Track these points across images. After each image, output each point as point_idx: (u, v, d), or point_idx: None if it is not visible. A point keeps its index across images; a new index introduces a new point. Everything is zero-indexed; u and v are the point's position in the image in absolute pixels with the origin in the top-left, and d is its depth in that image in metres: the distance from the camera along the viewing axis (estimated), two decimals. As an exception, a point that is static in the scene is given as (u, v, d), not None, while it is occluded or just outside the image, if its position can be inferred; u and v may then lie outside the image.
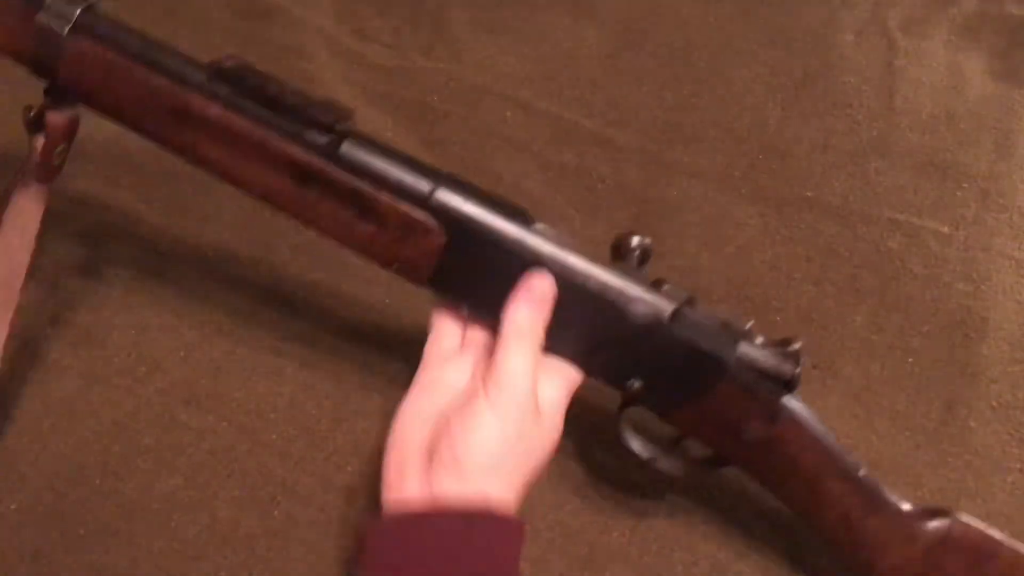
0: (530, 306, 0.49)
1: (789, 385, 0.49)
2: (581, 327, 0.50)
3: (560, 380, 0.50)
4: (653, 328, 0.49)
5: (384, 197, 0.50)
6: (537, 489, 0.58)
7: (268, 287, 0.68)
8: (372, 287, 0.67)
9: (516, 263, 0.49)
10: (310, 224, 0.53)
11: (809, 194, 0.75)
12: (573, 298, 0.49)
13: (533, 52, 0.86)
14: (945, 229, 0.73)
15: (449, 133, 0.78)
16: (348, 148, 0.50)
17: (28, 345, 0.64)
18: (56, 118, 0.57)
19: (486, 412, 0.47)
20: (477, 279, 0.51)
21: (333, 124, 0.51)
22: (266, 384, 0.63)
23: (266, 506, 0.58)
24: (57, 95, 0.57)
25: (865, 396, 0.63)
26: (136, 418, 0.61)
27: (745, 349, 0.49)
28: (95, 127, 0.76)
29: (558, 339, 0.50)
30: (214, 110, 0.51)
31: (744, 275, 0.69)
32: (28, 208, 0.58)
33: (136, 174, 0.74)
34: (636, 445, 0.54)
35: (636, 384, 0.51)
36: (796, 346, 0.50)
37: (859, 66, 0.84)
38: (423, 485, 0.46)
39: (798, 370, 0.49)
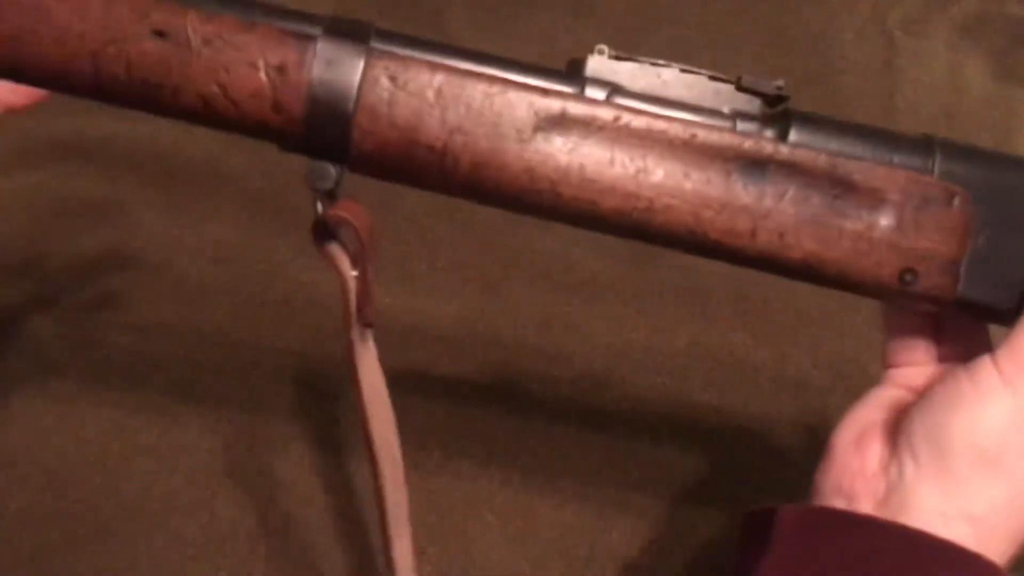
0: None
1: None
2: None
3: None
4: None
5: (875, 168, 0.39)
6: (536, 488, 0.59)
7: (268, 287, 0.68)
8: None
9: None
10: (762, 239, 0.40)
11: (809, 194, 0.75)
12: None
13: (533, 52, 0.85)
14: (945, 229, 0.73)
15: (449, 133, 0.78)
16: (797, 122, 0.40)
17: (28, 345, 0.64)
18: (355, 211, 0.42)
19: (997, 388, 0.35)
20: (1013, 263, 0.38)
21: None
22: (266, 383, 0.63)
23: (266, 506, 0.57)
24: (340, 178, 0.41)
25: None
26: (136, 418, 0.61)
27: None
28: (95, 126, 0.77)
29: None
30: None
31: (744, 275, 0.68)
32: (370, 361, 0.46)
33: (136, 174, 0.74)
34: None
35: None
36: None
37: (859, 66, 0.84)
38: (875, 476, 0.36)
39: None
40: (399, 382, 0.63)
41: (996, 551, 0.35)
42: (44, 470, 0.58)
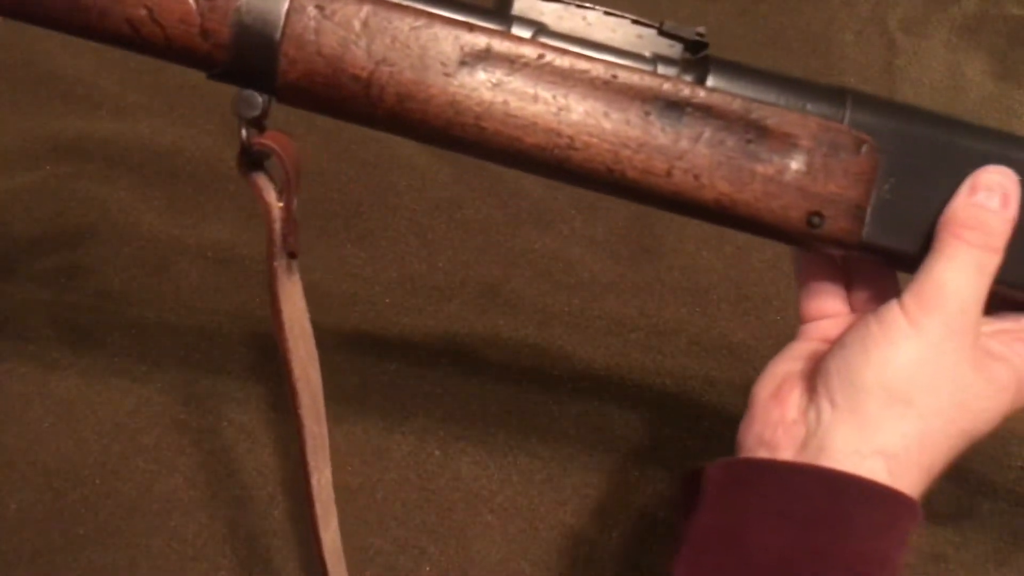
0: (983, 199, 0.38)
1: None
2: None
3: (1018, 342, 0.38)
4: None
5: (788, 114, 0.39)
6: (536, 489, 0.59)
7: (268, 287, 0.68)
8: (372, 286, 0.68)
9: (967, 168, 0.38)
10: (674, 180, 0.39)
11: (809, 194, 0.75)
12: None
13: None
14: (945, 229, 0.73)
15: (449, 133, 0.78)
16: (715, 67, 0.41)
17: (28, 345, 0.64)
18: (281, 142, 0.44)
19: (904, 329, 0.36)
20: (917, 210, 0.39)
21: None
22: (266, 384, 0.63)
23: (266, 506, 0.58)
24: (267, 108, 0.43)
25: (865, 395, 0.63)
26: (136, 418, 0.61)
27: None
28: (95, 127, 0.77)
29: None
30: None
31: (744, 274, 0.69)
32: (292, 292, 0.47)
33: (136, 174, 0.74)
34: None
35: None
36: None
37: (859, 66, 0.84)
38: (795, 423, 0.37)
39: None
40: (398, 381, 0.64)
41: (911, 484, 0.36)
42: (44, 470, 0.58)
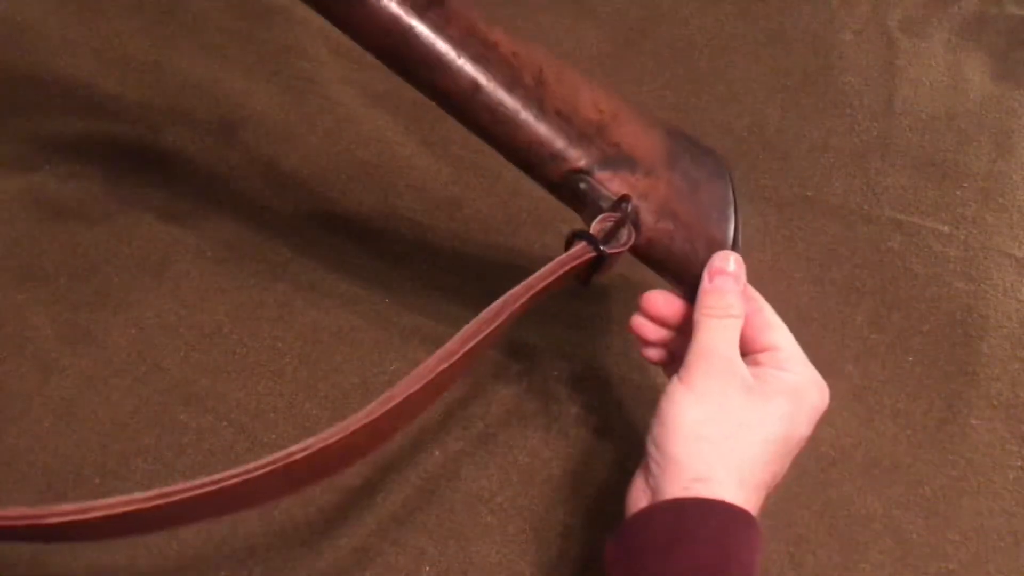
0: (720, 284, 0.50)
1: None
2: None
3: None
4: None
5: None
6: (536, 489, 0.59)
7: (267, 287, 0.68)
8: (372, 286, 0.67)
9: None
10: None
11: (809, 194, 0.75)
12: None
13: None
14: (945, 228, 0.73)
15: (448, 133, 0.78)
16: None
17: (28, 345, 0.64)
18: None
19: (685, 395, 0.46)
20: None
21: None
22: (266, 384, 0.63)
23: (265, 506, 0.57)
24: None
25: (866, 395, 0.63)
26: (136, 418, 0.61)
27: None
28: (96, 127, 0.77)
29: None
30: None
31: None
32: None
33: (136, 174, 0.74)
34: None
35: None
36: None
37: (859, 66, 0.84)
38: (640, 492, 0.46)
39: None
40: (398, 381, 0.64)
41: (733, 497, 0.44)
42: (44, 470, 0.58)
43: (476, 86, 0.47)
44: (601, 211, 0.49)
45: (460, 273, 0.69)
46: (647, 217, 0.50)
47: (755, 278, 0.70)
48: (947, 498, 0.58)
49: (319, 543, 0.56)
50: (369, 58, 0.87)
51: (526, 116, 0.47)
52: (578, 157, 0.49)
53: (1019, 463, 0.60)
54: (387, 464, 0.60)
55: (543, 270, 0.46)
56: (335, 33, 0.88)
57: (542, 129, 0.48)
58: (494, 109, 0.48)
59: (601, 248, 0.48)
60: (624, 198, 0.49)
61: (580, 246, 0.48)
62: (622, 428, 0.61)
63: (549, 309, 0.67)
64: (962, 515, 0.58)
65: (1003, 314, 0.68)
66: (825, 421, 0.50)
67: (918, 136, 0.79)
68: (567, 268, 0.47)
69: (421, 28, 0.46)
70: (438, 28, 0.46)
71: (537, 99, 0.48)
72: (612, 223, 0.49)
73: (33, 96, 0.79)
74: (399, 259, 0.70)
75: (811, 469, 0.60)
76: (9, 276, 0.68)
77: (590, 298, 0.68)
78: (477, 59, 0.47)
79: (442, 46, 0.47)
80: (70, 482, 0.58)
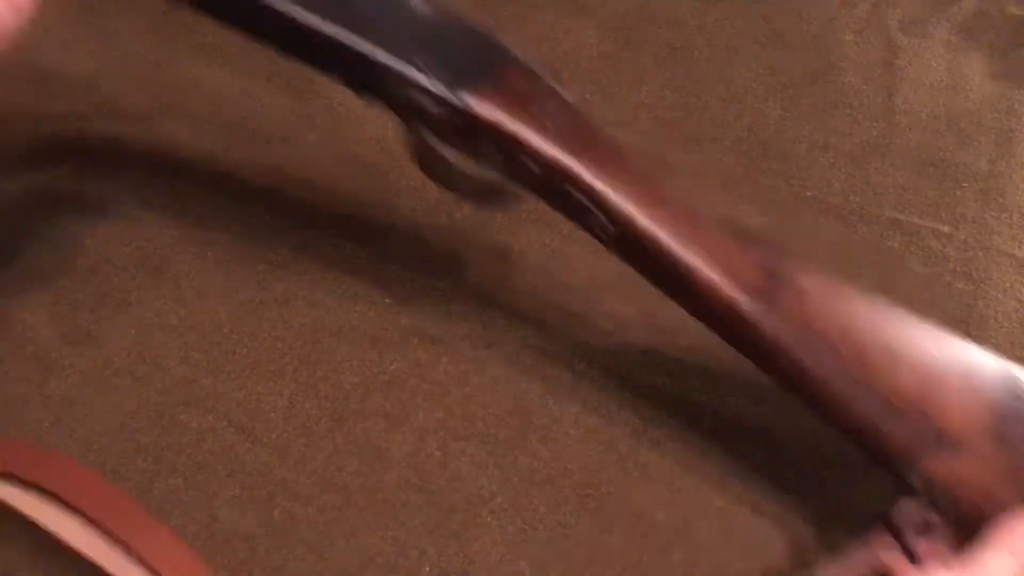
0: None
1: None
2: None
3: None
4: None
5: None
6: (536, 489, 0.59)
7: (268, 287, 0.68)
8: (373, 287, 0.68)
9: None
10: None
11: (809, 194, 0.75)
12: None
13: (533, 52, 0.85)
14: (945, 228, 0.73)
15: (448, 135, 0.78)
16: None
17: (28, 345, 0.64)
18: None
19: None
20: None
21: None
22: (266, 384, 0.63)
23: (266, 506, 0.58)
24: None
25: (865, 395, 0.63)
26: (136, 418, 0.61)
27: None
28: (96, 127, 0.77)
29: None
30: None
31: (744, 275, 0.69)
32: None
33: (136, 174, 0.74)
34: (449, 153, 0.47)
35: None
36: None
37: (859, 66, 0.84)
38: None
39: None
40: (398, 381, 0.64)
41: None
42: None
43: (801, 371, 0.44)
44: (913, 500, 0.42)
45: (460, 273, 0.69)
46: (956, 505, 0.42)
47: (755, 278, 0.70)
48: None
49: (319, 543, 0.56)
50: (369, 58, 0.87)
51: (842, 398, 0.43)
52: (901, 439, 0.43)
53: (1019, 463, 0.60)
54: (387, 465, 0.60)
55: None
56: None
57: (864, 411, 0.43)
58: (817, 392, 0.44)
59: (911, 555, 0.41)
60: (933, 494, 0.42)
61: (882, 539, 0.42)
62: (622, 428, 0.61)
63: (548, 309, 0.67)
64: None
65: (1003, 314, 0.68)
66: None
67: (918, 136, 0.79)
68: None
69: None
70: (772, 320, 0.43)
71: (858, 381, 0.43)
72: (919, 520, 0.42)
73: (32, 96, 0.79)
74: (399, 259, 0.70)
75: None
76: (9, 276, 0.68)
77: (586, 296, 0.68)
78: (802, 346, 0.43)
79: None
80: (70, 482, 0.58)
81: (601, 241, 0.46)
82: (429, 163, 0.47)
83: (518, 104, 0.44)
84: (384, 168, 0.75)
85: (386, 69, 0.44)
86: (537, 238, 0.71)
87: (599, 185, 0.43)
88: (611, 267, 0.70)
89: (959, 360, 0.44)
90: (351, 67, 0.45)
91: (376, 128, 0.78)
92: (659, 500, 0.58)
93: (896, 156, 0.78)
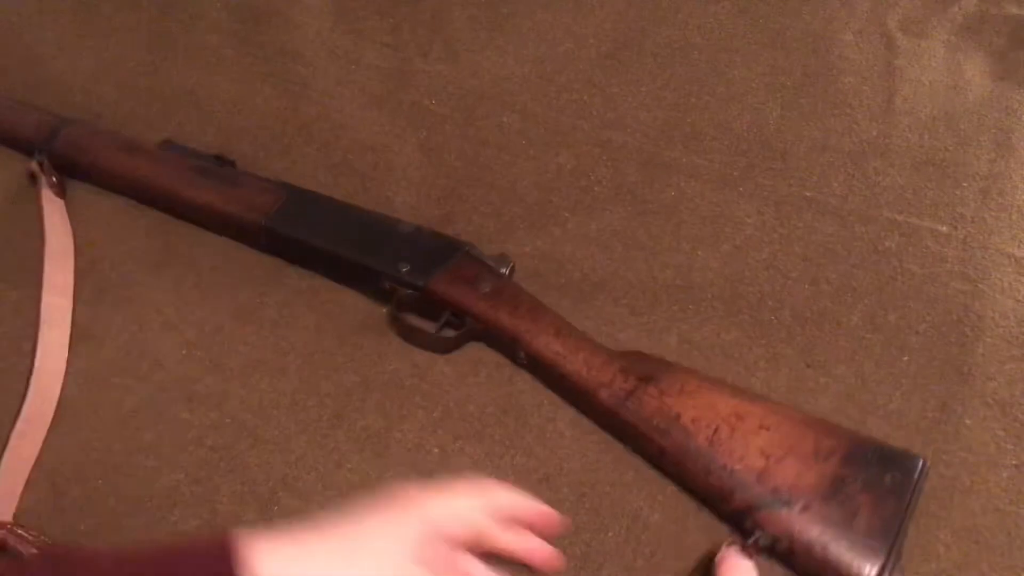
0: None
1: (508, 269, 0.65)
2: None
3: None
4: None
5: None
6: (533, 489, 0.59)
7: (270, 287, 0.69)
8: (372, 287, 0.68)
9: None
10: None
11: (808, 193, 0.75)
12: None
13: (532, 52, 0.86)
14: (944, 228, 0.73)
15: (446, 139, 0.79)
16: None
17: (28, 344, 0.65)
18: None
19: None
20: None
21: None
22: (268, 382, 0.64)
23: (266, 502, 0.58)
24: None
25: (859, 395, 0.63)
26: (137, 416, 0.62)
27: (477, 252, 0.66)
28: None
29: None
30: None
31: (740, 273, 0.70)
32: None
33: (139, 175, 0.74)
34: (419, 323, 0.65)
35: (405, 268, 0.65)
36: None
37: (859, 66, 0.84)
38: None
39: (511, 264, 0.65)
40: (398, 381, 0.64)
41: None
42: (46, 469, 0.59)
43: (661, 451, 0.58)
44: (753, 541, 0.53)
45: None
46: (791, 550, 0.54)
47: (751, 276, 0.70)
48: (940, 497, 0.58)
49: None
50: (365, 59, 0.88)
51: (695, 471, 0.56)
52: (739, 500, 0.55)
53: (1014, 462, 0.60)
54: (387, 463, 0.60)
55: None
56: (333, 33, 0.89)
57: (711, 480, 0.56)
58: (676, 466, 0.58)
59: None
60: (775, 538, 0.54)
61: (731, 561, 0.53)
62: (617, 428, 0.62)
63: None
64: (954, 514, 0.58)
65: (1000, 313, 0.68)
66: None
67: (918, 136, 0.79)
68: None
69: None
70: (635, 413, 0.58)
71: (707, 457, 0.56)
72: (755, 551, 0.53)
73: (32, 96, 0.80)
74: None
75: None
76: (9, 275, 0.68)
77: (576, 297, 0.68)
78: (660, 432, 0.57)
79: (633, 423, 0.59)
80: (72, 480, 0.59)
81: (519, 364, 0.63)
82: (401, 328, 0.65)
83: (463, 282, 0.64)
84: (380, 180, 0.76)
85: (379, 273, 0.65)
86: (529, 241, 0.71)
87: (519, 331, 0.62)
88: (602, 266, 0.71)
89: (801, 435, 0.56)
90: (360, 274, 0.66)
91: (372, 134, 0.79)
92: (653, 502, 0.58)
93: (895, 156, 0.78)
